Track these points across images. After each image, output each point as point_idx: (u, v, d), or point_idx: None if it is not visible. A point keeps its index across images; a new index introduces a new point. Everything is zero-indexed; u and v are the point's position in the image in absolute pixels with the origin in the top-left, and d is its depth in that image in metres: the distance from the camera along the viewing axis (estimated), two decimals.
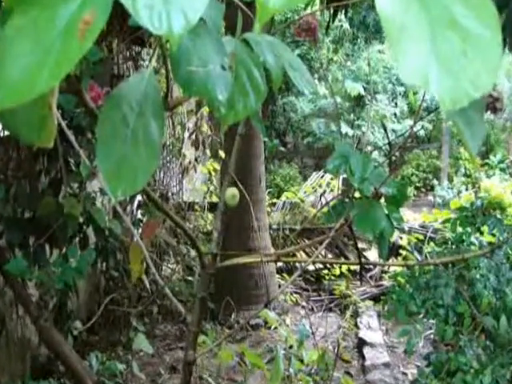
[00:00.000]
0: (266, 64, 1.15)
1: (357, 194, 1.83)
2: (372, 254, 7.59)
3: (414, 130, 12.90)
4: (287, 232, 7.67)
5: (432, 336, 5.31)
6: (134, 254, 1.98)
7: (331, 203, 1.89)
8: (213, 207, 7.58)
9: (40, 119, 0.99)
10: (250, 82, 1.09)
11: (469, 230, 3.79)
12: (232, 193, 1.59)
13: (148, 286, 5.09)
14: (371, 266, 7.50)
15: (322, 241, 1.75)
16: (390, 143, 1.81)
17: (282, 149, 15.83)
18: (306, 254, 7.28)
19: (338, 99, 15.44)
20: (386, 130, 3.08)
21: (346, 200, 1.78)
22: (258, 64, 1.11)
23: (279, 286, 6.73)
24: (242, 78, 1.09)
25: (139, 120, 1.00)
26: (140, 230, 5.22)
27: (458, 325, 3.40)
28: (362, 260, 1.75)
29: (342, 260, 7.65)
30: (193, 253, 6.44)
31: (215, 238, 1.58)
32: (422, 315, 3.50)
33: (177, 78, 1.02)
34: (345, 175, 1.79)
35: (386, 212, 1.78)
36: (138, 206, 5.82)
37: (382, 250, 1.79)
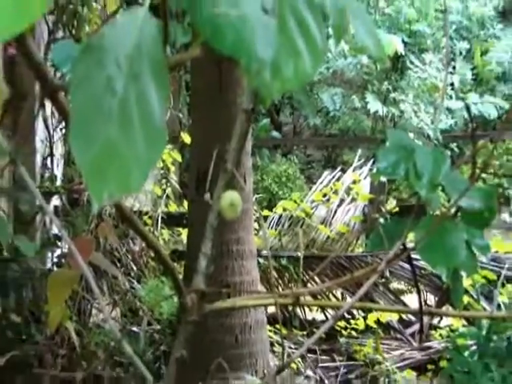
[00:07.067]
0: (323, 7, 0.77)
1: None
2: (412, 299, 5.50)
3: (477, 109, 9.18)
4: (284, 261, 5.63)
5: None
6: (54, 289, 1.54)
7: (378, 221, 1.38)
8: (171, 220, 5.50)
9: None
10: (302, 33, 0.71)
11: None
12: (231, 199, 1.13)
13: (75, 339, 3.28)
14: (412, 319, 5.52)
15: (365, 276, 1.13)
16: (474, 130, 1.29)
17: (275, 133, 10.07)
18: (313, 296, 5.25)
19: (364, 60, 10.58)
20: (468, 109, 2.40)
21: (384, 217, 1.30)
22: (313, 6, 0.72)
23: (272, 345, 4.55)
24: (288, 27, 0.71)
25: (131, 85, 0.68)
26: (59, 251, 4.06)
27: None
28: (416, 306, 1.21)
29: (372, 305, 4.15)
30: (139, 289, 4.51)
31: (202, 267, 1.13)
32: None
33: (200, 23, 0.67)
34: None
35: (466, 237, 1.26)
36: (55, 215, 4.02)
37: (457, 294, 1.27)
